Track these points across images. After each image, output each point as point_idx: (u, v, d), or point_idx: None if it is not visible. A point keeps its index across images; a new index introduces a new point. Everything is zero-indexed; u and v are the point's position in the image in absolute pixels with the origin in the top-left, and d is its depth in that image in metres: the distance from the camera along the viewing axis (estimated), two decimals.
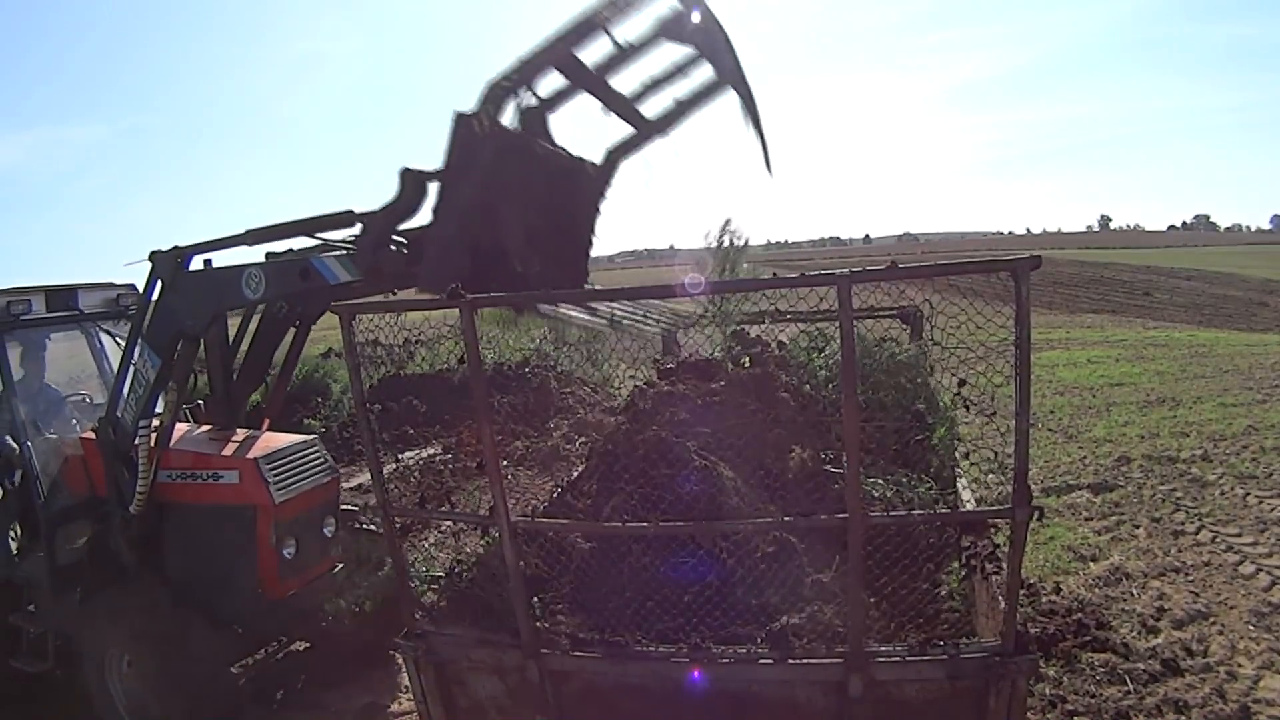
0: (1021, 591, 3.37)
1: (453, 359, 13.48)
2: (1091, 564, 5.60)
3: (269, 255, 3.69)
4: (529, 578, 3.04)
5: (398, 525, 3.01)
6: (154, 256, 3.82)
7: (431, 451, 10.25)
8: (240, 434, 4.34)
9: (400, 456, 10.05)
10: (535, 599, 3.05)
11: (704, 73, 3.00)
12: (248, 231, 3.52)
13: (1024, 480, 2.30)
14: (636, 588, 3.05)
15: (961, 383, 3.33)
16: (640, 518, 2.96)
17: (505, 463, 8.54)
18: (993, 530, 3.22)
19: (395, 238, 3.09)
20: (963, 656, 2.43)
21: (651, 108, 3.16)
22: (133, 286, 4.90)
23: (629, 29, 2.73)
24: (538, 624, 2.85)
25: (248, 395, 4.59)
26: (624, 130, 3.24)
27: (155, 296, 3.89)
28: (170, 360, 3.87)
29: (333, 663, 4.71)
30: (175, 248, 3.78)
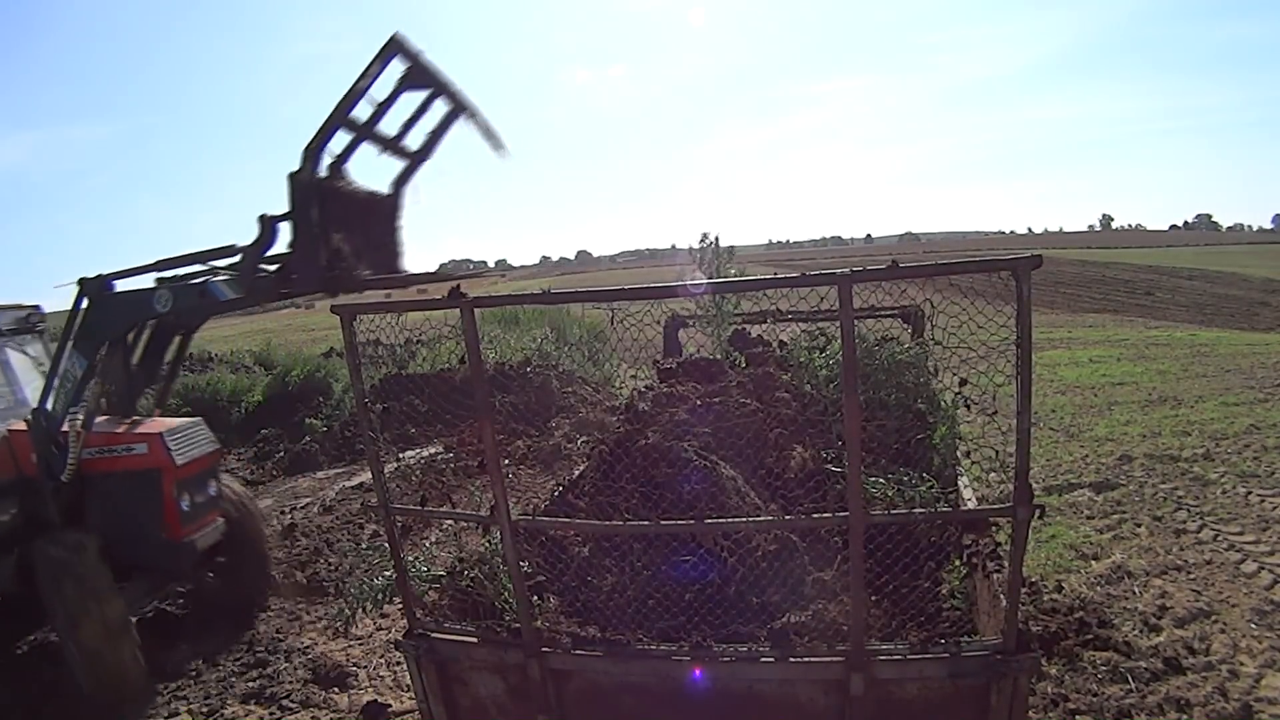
0: (1023, 590, 3.37)
1: (454, 358, 13.50)
2: (1093, 562, 5.59)
3: (172, 278, 4.69)
4: (530, 576, 3.05)
5: (399, 524, 3.02)
6: (82, 282, 4.82)
7: (433, 450, 10.26)
8: (140, 419, 5.30)
9: (401, 455, 10.06)
10: (536, 598, 3.05)
11: (441, 107, 4.13)
12: (156, 262, 4.67)
13: (1025, 479, 2.30)
14: (638, 586, 3.05)
15: (963, 382, 3.33)
16: (641, 517, 2.97)
17: (507, 462, 8.54)
18: (994, 529, 3.22)
19: (266, 266, 4.22)
20: (964, 655, 2.43)
21: (415, 141, 4.26)
22: (38, 307, 5.95)
23: (383, 87, 3.80)
24: (539, 623, 2.85)
25: (142, 389, 5.40)
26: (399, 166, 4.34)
27: (83, 312, 4.83)
28: (94, 362, 4.87)
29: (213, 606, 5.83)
30: (99, 275, 4.82)
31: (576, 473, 4.26)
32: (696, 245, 5.29)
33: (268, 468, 10.81)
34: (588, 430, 9.90)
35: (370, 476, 3.37)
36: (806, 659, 2.54)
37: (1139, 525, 6.21)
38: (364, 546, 6.81)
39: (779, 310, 4.60)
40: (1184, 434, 8.60)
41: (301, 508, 8.80)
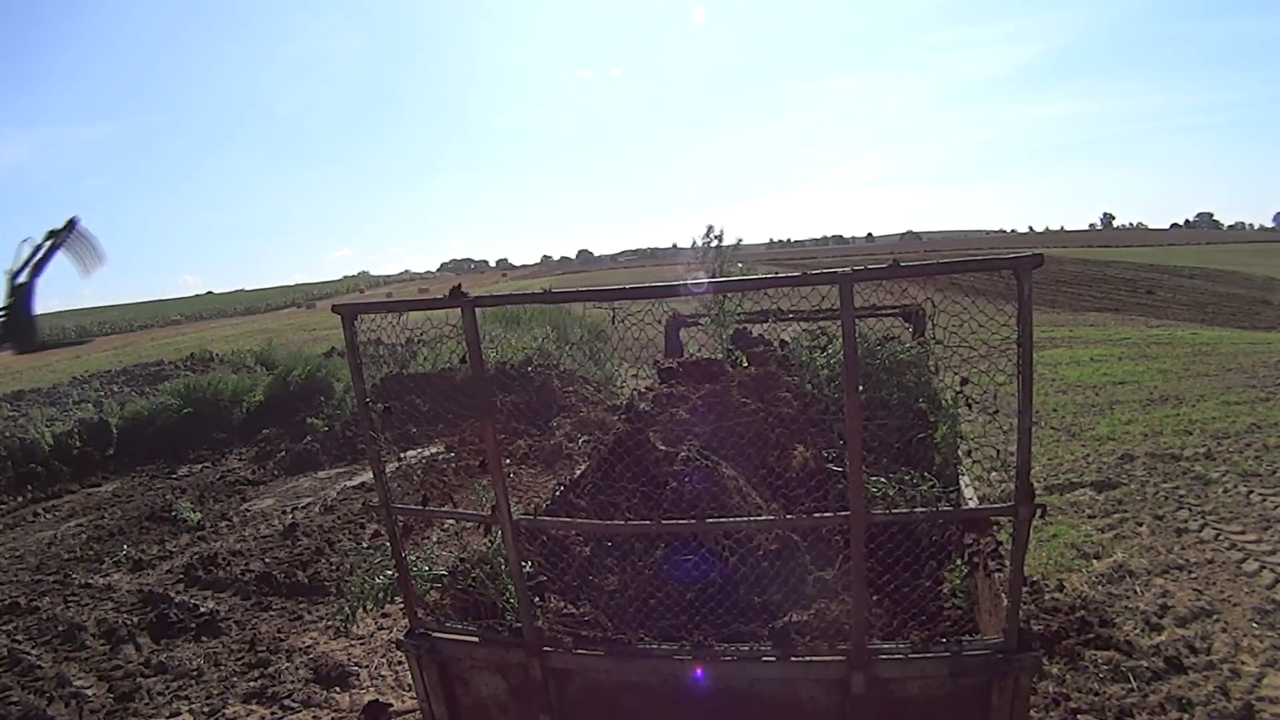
0: (1024, 589, 3.37)
1: (455, 358, 13.48)
2: (1094, 561, 5.59)
3: None
4: (531, 576, 3.05)
5: (400, 524, 3.02)
6: None
7: (434, 450, 10.27)
8: None
9: (403, 455, 10.07)
10: (537, 598, 3.06)
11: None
12: None
13: (1026, 478, 2.29)
14: (639, 586, 3.06)
15: (964, 381, 3.32)
16: (643, 516, 2.97)
17: (508, 461, 8.54)
18: (995, 528, 3.22)
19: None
20: (966, 654, 2.43)
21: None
22: None
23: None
24: (540, 622, 2.85)
25: None
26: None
27: None
28: None
29: None
30: None
31: (578, 472, 4.25)
32: (699, 240, 5.23)
33: (269, 467, 10.82)
34: (589, 430, 9.91)
35: (371, 476, 3.38)
36: (808, 658, 2.54)
37: (1140, 524, 6.20)
38: (365, 546, 6.82)
39: (780, 309, 4.61)
40: (1185, 433, 8.59)
41: (303, 507, 8.81)
